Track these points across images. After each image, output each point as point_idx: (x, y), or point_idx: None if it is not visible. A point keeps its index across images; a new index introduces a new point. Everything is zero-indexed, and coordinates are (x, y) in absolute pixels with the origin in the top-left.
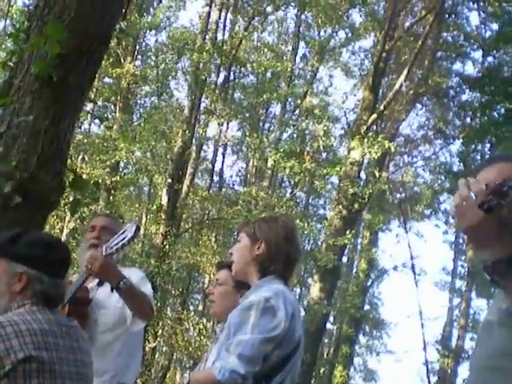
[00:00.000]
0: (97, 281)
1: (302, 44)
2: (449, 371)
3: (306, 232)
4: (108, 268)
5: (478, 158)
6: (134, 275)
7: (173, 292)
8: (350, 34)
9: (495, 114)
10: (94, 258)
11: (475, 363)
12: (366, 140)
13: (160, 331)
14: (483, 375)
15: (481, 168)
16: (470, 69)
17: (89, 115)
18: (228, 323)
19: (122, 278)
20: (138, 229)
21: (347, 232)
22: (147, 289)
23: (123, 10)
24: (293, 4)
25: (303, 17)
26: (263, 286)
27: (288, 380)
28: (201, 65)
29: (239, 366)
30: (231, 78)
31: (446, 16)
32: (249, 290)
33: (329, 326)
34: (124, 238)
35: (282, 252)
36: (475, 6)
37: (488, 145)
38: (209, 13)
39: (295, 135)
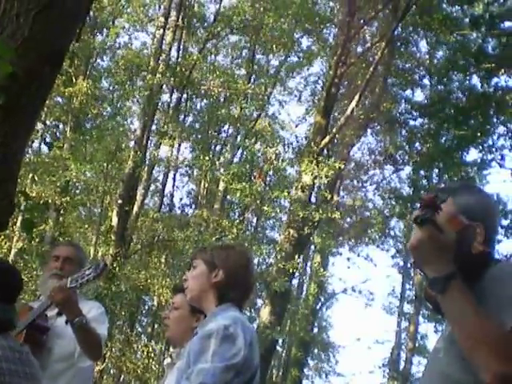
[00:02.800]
0: (57, 309)
1: (255, 68)
2: None
3: (255, 254)
4: (69, 301)
5: (426, 183)
6: (94, 310)
7: (122, 314)
8: (301, 60)
9: (443, 140)
10: (59, 288)
11: None
12: (316, 163)
13: (108, 353)
14: None
15: None
16: (420, 95)
17: (39, 134)
18: (188, 351)
19: (80, 314)
20: (104, 267)
21: (296, 256)
22: (103, 328)
23: (77, 31)
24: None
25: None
26: (219, 313)
27: None
28: (154, 87)
29: None
30: (184, 99)
31: (398, 43)
32: (203, 314)
33: (278, 348)
34: (90, 274)
35: (241, 279)
36: (425, 33)
37: (436, 170)
38: (162, 35)
39: (246, 156)
